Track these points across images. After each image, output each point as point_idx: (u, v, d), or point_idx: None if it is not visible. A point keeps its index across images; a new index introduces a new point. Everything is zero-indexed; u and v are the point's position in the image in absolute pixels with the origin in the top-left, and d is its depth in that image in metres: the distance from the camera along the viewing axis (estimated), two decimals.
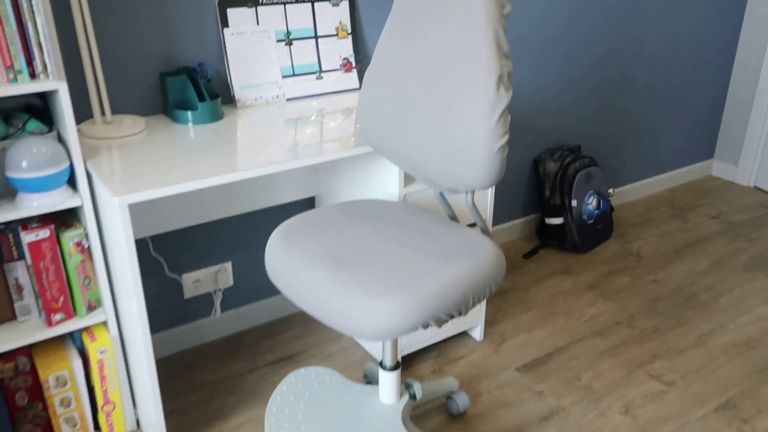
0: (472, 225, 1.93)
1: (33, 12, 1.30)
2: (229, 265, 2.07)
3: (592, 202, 2.67)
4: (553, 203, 2.65)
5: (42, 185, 1.38)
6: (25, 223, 1.47)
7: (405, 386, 1.72)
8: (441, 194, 1.61)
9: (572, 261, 2.63)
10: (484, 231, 1.53)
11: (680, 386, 1.94)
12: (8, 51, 1.31)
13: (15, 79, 1.33)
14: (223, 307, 2.12)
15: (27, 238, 1.44)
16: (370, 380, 1.91)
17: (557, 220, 2.65)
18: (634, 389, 1.92)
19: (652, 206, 3.13)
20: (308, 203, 2.15)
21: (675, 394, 1.91)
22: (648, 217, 3.02)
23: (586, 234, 2.66)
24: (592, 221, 2.68)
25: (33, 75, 1.34)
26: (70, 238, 1.49)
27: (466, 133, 1.32)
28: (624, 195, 3.14)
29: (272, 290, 2.20)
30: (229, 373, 1.98)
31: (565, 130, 2.77)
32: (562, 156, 2.65)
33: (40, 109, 1.54)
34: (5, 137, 1.42)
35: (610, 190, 2.86)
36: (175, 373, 1.98)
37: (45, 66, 1.34)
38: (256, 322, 2.20)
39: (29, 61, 1.33)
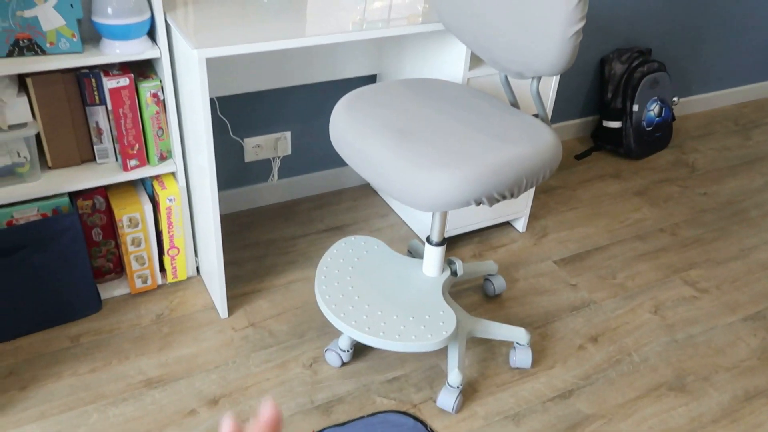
0: (534, 116, 1.93)
1: None
2: (288, 134, 2.14)
3: (654, 109, 2.62)
4: (614, 106, 2.60)
5: (125, 33, 1.44)
6: (107, 69, 1.54)
7: (447, 263, 1.82)
8: (506, 79, 1.62)
9: (624, 166, 2.62)
10: (544, 120, 1.54)
11: (713, 294, 1.99)
12: None
13: None
14: (280, 174, 2.21)
15: (108, 84, 1.51)
16: (414, 256, 2.01)
17: (615, 124, 2.62)
18: (667, 292, 1.99)
19: (716, 119, 3.05)
20: (370, 80, 2.17)
21: (707, 301, 1.96)
22: (709, 130, 2.95)
23: (642, 141, 2.64)
24: (651, 128, 2.64)
25: None
26: (147, 88, 1.56)
27: (542, 14, 1.31)
28: (689, 105, 3.06)
29: (327, 162, 2.28)
30: (282, 235, 2.10)
31: (638, 32, 2.67)
32: (630, 58, 2.58)
33: None
34: None
35: (675, 99, 2.79)
36: (232, 230, 2.11)
37: None
38: (310, 192, 2.29)
39: None
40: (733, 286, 2.03)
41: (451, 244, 2.12)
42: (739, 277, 2.07)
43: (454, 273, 1.80)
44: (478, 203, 1.34)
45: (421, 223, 2.11)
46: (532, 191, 2.14)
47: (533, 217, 2.28)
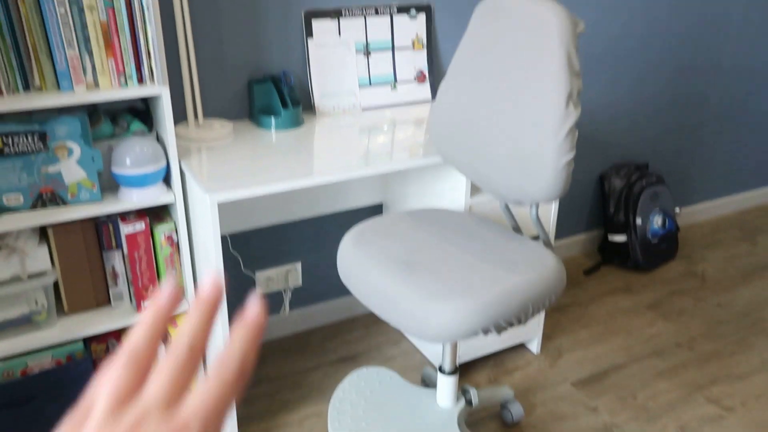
0: (535, 237, 1.97)
1: (145, 22, 1.44)
2: (299, 265, 2.18)
3: (657, 221, 2.66)
4: (617, 220, 2.65)
5: (142, 181, 1.52)
6: (124, 215, 1.61)
7: (461, 392, 1.78)
8: (506, 206, 1.67)
9: (634, 279, 2.62)
10: (547, 244, 1.58)
11: (739, 412, 1.92)
12: (121, 57, 1.45)
13: (125, 84, 1.48)
14: (291, 306, 2.23)
15: (125, 229, 1.58)
16: (428, 384, 1.98)
17: (620, 238, 2.65)
18: (691, 412, 1.92)
19: (721, 228, 3.08)
20: (376, 209, 2.24)
21: (733, 420, 1.89)
22: (715, 238, 2.98)
23: (649, 253, 2.66)
24: (656, 240, 2.67)
25: (141, 80, 1.49)
26: (162, 231, 1.63)
27: (534, 148, 1.38)
28: (691, 215, 3.11)
29: (337, 292, 2.30)
30: (295, 368, 2.09)
31: (634, 147, 2.77)
32: (628, 173, 2.66)
33: (142, 111, 1.68)
34: (112, 136, 1.57)
35: (677, 210, 2.84)
36: None
37: (152, 72, 1.48)
38: (322, 322, 2.30)
39: (138, 67, 1.47)
40: (758, 403, 1.96)
41: (465, 369, 2.09)
42: (764, 392, 2.01)
43: (469, 402, 1.76)
44: (486, 332, 1.34)
45: (434, 349, 2.09)
46: (543, 311, 2.14)
47: (547, 337, 2.26)
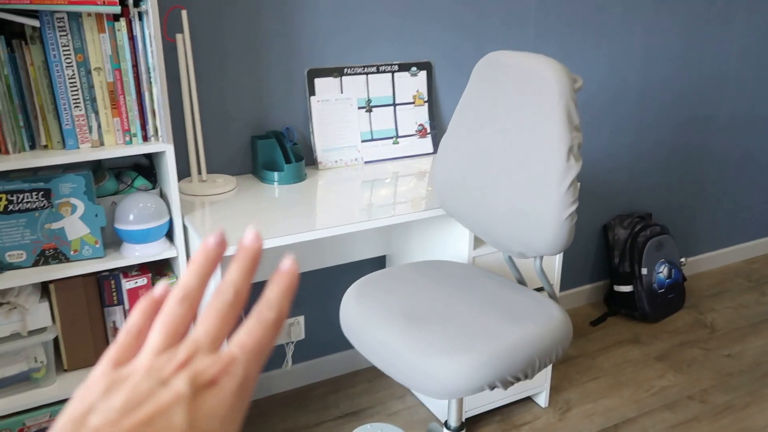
0: (540, 289, 1.96)
1: (151, 82, 1.48)
2: (302, 319, 2.16)
3: (663, 271, 2.65)
4: (623, 270, 2.63)
5: (144, 237, 1.53)
6: (126, 270, 1.61)
7: None
8: (510, 258, 1.67)
9: (641, 330, 2.59)
10: (552, 296, 1.56)
11: None
12: (127, 116, 1.48)
13: (130, 141, 1.50)
14: (294, 360, 2.20)
15: (127, 284, 1.57)
16: None
17: (626, 288, 2.63)
18: None
19: (728, 277, 3.05)
20: (380, 261, 2.23)
21: None
22: (723, 288, 2.94)
23: (656, 303, 2.63)
24: (662, 290, 2.64)
25: (145, 138, 1.51)
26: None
27: (536, 201, 1.38)
28: (698, 264, 3.08)
29: (341, 345, 2.28)
30: (297, 424, 2.04)
31: (637, 198, 2.78)
32: (632, 223, 2.65)
33: (146, 167, 1.70)
34: (116, 192, 1.59)
35: (682, 259, 2.82)
36: (247, 422, 2.06)
37: (156, 130, 1.51)
38: (325, 376, 2.26)
39: (143, 125, 1.50)
40: None
41: (471, 424, 2.04)
42: None
43: None
44: (492, 388, 1.31)
45: (440, 404, 2.05)
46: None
47: (554, 390, 2.21)
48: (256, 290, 2.05)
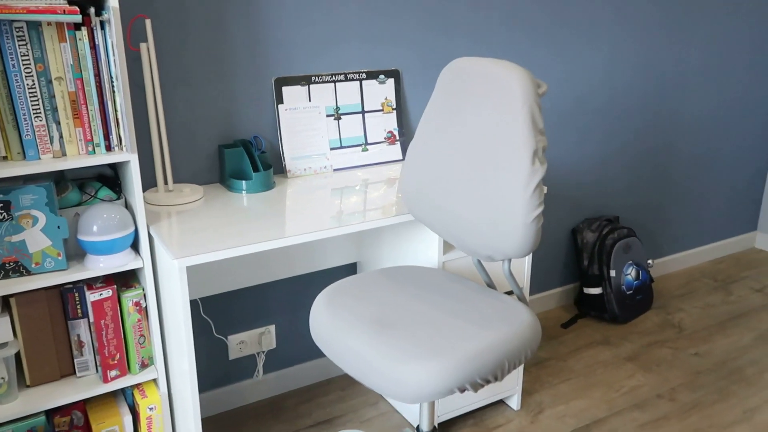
0: (509, 292, 1.97)
1: (114, 92, 1.46)
2: (272, 328, 2.14)
3: (631, 273, 2.69)
4: (592, 273, 2.67)
5: (109, 248, 1.50)
6: (90, 282, 1.58)
7: None
8: (479, 262, 1.68)
9: (611, 332, 2.62)
10: (521, 298, 1.58)
11: None
12: (89, 126, 1.46)
13: (93, 152, 1.48)
14: (265, 369, 2.18)
15: (91, 297, 1.55)
16: None
17: (596, 291, 2.66)
18: None
19: (694, 278, 3.11)
20: (350, 269, 2.23)
21: None
22: (690, 288, 3.00)
23: (625, 305, 2.66)
24: (631, 292, 2.68)
25: (109, 147, 1.49)
26: (129, 297, 1.60)
27: (502, 204, 1.39)
28: (665, 266, 3.14)
29: (313, 353, 2.26)
30: None
31: (604, 201, 2.82)
32: (600, 226, 2.69)
33: (110, 177, 1.68)
34: (79, 203, 1.56)
35: (650, 261, 2.87)
36: None
37: (120, 139, 1.49)
38: (297, 385, 2.25)
39: (106, 135, 1.48)
40: None
41: (444, 428, 2.04)
42: None
43: None
44: (462, 390, 1.32)
45: (413, 409, 2.05)
46: (521, 366, 2.11)
47: (526, 392, 2.23)
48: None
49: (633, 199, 2.91)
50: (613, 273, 2.63)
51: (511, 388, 2.10)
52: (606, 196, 2.82)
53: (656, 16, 2.68)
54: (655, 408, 2.15)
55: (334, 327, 1.45)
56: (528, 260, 1.99)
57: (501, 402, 2.17)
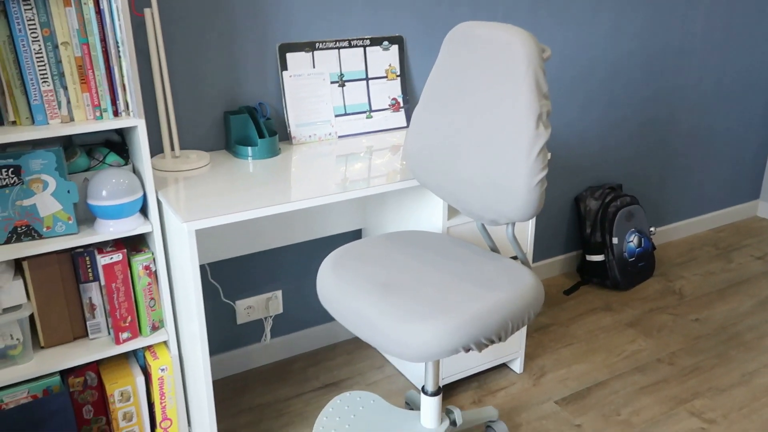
0: (513, 258, 2.00)
1: (120, 57, 1.47)
2: (279, 294, 2.18)
3: (633, 240, 2.71)
4: (594, 240, 2.69)
5: (118, 212, 1.53)
6: (101, 247, 1.61)
7: (445, 413, 1.78)
8: (483, 226, 1.70)
9: (613, 298, 2.65)
10: (524, 262, 1.60)
11: (721, 424, 1.94)
12: (96, 91, 1.47)
13: (101, 117, 1.49)
14: (272, 334, 2.22)
15: (102, 260, 1.57)
16: (412, 407, 1.97)
17: (598, 258, 2.69)
18: (674, 426, 1.93)
19: (696, 246, 3.13)
20: (356, 235, 2.25)
21: None
22: (691, 256, 3.02)
23: (627, 272, 2.69)
24: (633, 259, 2.71)
25: (116, 113, 1.50)
26: (139, 261, 1.62)
27: (506, 168, 1.41)
28: (667, 234, 3.16)
29: (319, 318, 2.30)
30: (277, 397, 2.07)
31: (607, 170, 2.83)
32: (603, 194, 2.70)
33: (118, 143, 1.69)
34: (87, 168, 1.58)
35: (652, 229, 2.89)
36: (227, 396, 2.08)
37: (127, 105, 1.50)
38: (304, 349, 2.29)
39: (113, 101, 1.49)
40: (740, 414, 1.98)
41: (448, 391, 2.08)
42: (745, 404, 2.03)
43: (453, 423, 1.76)
44: (467, 350, 1.35)
45: (418, 372, 2.09)
46: (524, 331, 2.15)
47: (529, 357, 2.26)
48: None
49: (636, 167, 2.92)
50: (615, 240, 2.65)
51: (514, 352, 2.13)
52: (609, 165, 2.83)
53: None
54: (655, 371, 2.19)
55: (341, 290, 1.47)
56: (531, 226, 2.01)
57: (504, 365, 2.21)
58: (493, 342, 1.38)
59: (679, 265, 2.93)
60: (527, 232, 2.01)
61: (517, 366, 2.17)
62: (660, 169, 3.01)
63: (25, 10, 1.37)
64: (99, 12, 1.44)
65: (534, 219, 2.07)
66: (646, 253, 2.76)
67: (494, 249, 1.72)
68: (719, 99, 3.06)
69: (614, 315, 2.53)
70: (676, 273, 2.86)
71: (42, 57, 1.41)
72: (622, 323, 2.48)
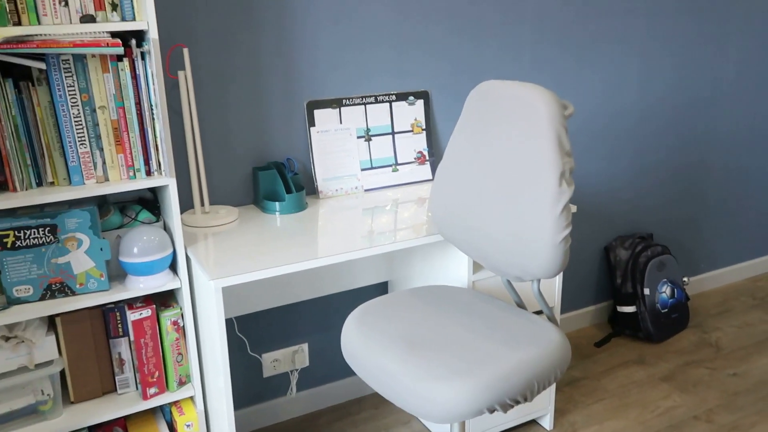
0: (539, 312, 1.97)
1: (153, 119, 1.52)
2: (305, 346, 2.18)
3: (665, 291, 2.65)
4: (625, 291, 2.64)
5: (149, 269, 1.56)
6: (131, 302, 1.64)
7: None
8: (508, 282, 1.69)
9: (646, 351, 2.59)
10: (550, 318, 1.58)
11: None
12: (130, 152, 1.53)
13: (134, 176, 1.54)
14: (298, 387, 2.21)
15: (132, 316, 1.60)
16: None
17: (630, 309, 2.63)
18: None
19: (732, 296, 3.05)
20: (382, 287, 2.25)
21: None
22: (727, 306, 2.94)
23: (660, 323, 2.63)
24: (666, 310, 2.65)
25: (149, 172, 1.55)
26: (168, 317, 1.65)
27: (530, 226, 1.41)
28: (701, 284, 3.09)
29: (345, 372, 2.29)
30: None
31: (637, 218, 2.80)
32: (633, 244, 2.67)
33: (150, 200, 1.74)
34: (121, 226, 1.63)
35: (685, 279, 2.83)
36: None
37: (159, 164, 1.55)
38: (330, 403, 2.27)
39: (146, 161, 1.54)
40: None
41: None
42: None
43: None
44: (492, 411, 1.33)
45: (445, 429, 2.05)
46: (554, 386, 2.10)
47: (559, 412, 2.21)
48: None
49: (667, 215, 2.88)
50: (647, 291, 2.60)
51: (543, 408, 2.09)
52: (639, 213, 2.80)
53: (691, 30, 2.66)
54: (691, 429, 2.11)
55: (365, 346, 1.47)
56: (558, 279, 1.99)
57: (533, 422, 2.16)
58: (518, 402, 1.36)
59: (715, 317, 2.86)
60: (554, 285, 1.99)
61: (547, 422, 2.12)
62: (692, 217, 2.96)
63: (65, 77, 1.44)
64: (135, 77, 1.51)
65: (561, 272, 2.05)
66: (679, 304, 2.70)
67: (520, 304, 1.70)
68: (752, 143, 3.02)
69: (648, 368, 2.46)
70: (711, 324, 2.79)
71: (80, 121, 1.48)
72: (656, 377, 2.41)
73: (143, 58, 1.50)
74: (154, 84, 1.50)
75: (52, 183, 1.50)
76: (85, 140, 1.49)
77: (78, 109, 1.47)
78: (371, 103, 2.10)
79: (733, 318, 2.84)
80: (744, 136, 2.98)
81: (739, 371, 2.44)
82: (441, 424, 1.30)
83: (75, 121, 1.47)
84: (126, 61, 1.49)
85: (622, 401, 2.27)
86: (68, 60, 1.44)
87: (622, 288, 2.65)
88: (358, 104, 2.07)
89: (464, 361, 1.36)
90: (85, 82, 1.47)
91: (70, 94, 1.46)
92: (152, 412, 1.79)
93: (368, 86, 2.09)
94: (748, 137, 2.99)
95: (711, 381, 2.38)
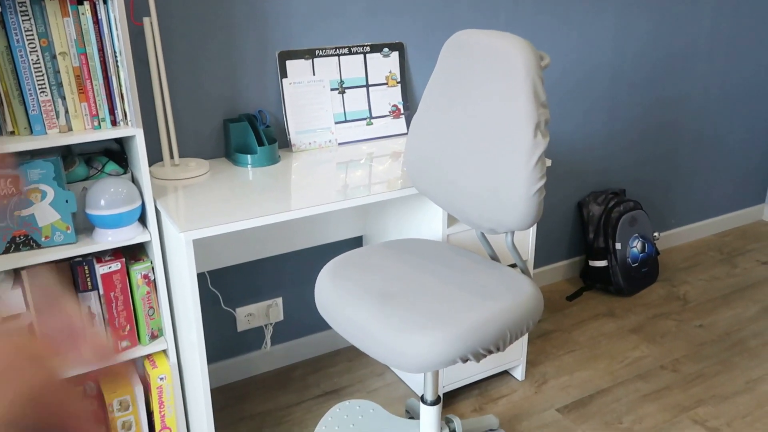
0: (513, 265, 1.99)
1: (118, 66, 1.47)
2: (280, 301, 2.17)
3: (636, 246, 2.69)
4: (597, 246, 2.67)
5: (117, 222, 1.53)
6: (99, 256, 1.61)
7: (445, 422, 1.77)
8: (482, 235, 1.69)
9: (616, 304, 2.64)
10: (523, 270, 1.59)
11: None
12: (94, 101, 1.47)
13: (99, 126, 1.49)
14: (273, 341, 2.22)
15: (101, 270, 1.57)
16: (412, 415, 1.96)
17: (601, 263, 2.67)
18: None
19: (700, 251, 3.11)
20: (356, 242, 2.25)
21: None
22: (695, 261, 3.00)
23: (630, 277, 2.67)
24: (636, 264, 2.69)
25: (114, 122, 1.50)
26: (138, 270, 1.62)
27: (504, 177, 1.40)
28: (671, 239, 3.14)
29: (320, 325, 2.29)
30: (277, 405, 2.06)
31: (610, 175, 2.81)
32: (606, 199, 2.69)
33: (117, 152, 1.69)
34: (86, 178, 1.58)
35: (656, 234, 2.87)
36: (227, 404, 2.07)
37: (125, 114, 1.50)
38: (304, 357, 2.28)
39: (112, 110, 1.49)
40: (744, 422, 1.96)
41: (449, 399, 2.07)
42: (749, 411, 2.01)
43: None
44: (465, 360, 1.34)
45: (418, 380, 2.08)
46: (526, 338, 2.14)
47: (531, 363, 2.25)
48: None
49: (639, 172, 2.90)
50: (618, 246, 2.64)
51: (515, 359, 2.12)
52: (612, 170, 2.81)
53: None
54: (658, 378, 2.17)
55: (339, 299, 1.47)
56: (532, 233, 2.00)
57: (505, 373, 2.20)
58: (491, 352, 1.37)
59: (684, 271, 2.91)
60: (528, 239, 2.00)
61: (519, 373, 2.16)
62: (664, 174, 2.99)
63: (23, 20, 1.38)
64: (97, 22, 1.44)
65: (535, 226, 2.06)
66: (649, 258, 2.74)
67: (494, 257, 1.71)
68: (724, 104, 3.04)
69: (617, 321, 2.51)
70: (680, 278, 2.85)
71: (40, 67, 1.42)
72: (625, 329, 2.46)
73: (105, 2, 1.43)
74: (117, 29, 1.44)
75: (12, 132, 1.45)
76: (45, 88, 1.43)
77: (37, 55, 1.41)
78: (345, 54, 2.05)
79: (701, 272, 2.90)
80: (716, 95, 2.99)
81: (705, 323, 2.50)
82: (414, 373, 1.31)
83: (34, 68, 1.41)
84: (87, 5, 1.42)
85: (592, 352, 2.32)
86: (25, 2, 1.37)
87: (594, 243, 2.68)
88: (332, 55, 2.03)
89: (437, 312, 1.36)
90: (44, 27, 1.40)
91: (28, 39, 1.39)
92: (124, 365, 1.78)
93: (342, 37, 2.04)
94: (719, 97, 3.01)
95: (678, 332, 2.44)
